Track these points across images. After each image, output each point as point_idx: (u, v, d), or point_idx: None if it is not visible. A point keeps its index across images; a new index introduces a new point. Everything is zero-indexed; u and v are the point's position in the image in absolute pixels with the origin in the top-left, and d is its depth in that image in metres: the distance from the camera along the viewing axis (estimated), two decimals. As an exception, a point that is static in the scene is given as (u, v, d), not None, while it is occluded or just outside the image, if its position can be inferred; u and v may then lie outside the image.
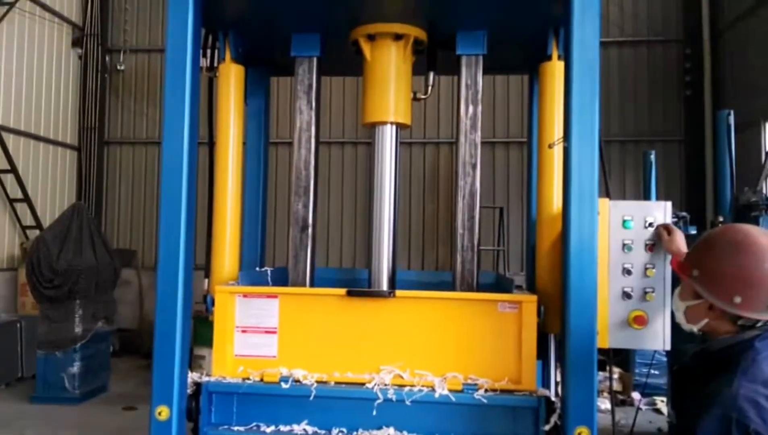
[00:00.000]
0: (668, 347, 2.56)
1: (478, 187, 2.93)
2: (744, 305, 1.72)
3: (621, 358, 7.76)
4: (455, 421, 2.58)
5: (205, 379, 2.67)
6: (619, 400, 7.34)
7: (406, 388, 2.56)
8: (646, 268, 2.61)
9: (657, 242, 2.58)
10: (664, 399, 6.83)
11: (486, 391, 2.53)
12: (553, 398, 2.52)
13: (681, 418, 1.83)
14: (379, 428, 2.58)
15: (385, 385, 2.58)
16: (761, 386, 1.60)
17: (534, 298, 2.61)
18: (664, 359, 6.83)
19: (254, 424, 2.67)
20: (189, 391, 2.63)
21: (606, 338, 2.55)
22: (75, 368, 7.23)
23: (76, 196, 10.80)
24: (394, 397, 2.54)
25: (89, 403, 7.32)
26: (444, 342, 2.65)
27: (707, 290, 1.79)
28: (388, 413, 2.59)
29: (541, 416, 2.48)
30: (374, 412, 2.57)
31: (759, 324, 1.74)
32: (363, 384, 2.61)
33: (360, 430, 2.60)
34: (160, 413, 2.56)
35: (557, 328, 2.70)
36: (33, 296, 7.38)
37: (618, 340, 2.55)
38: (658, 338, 2.56)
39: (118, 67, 11.23)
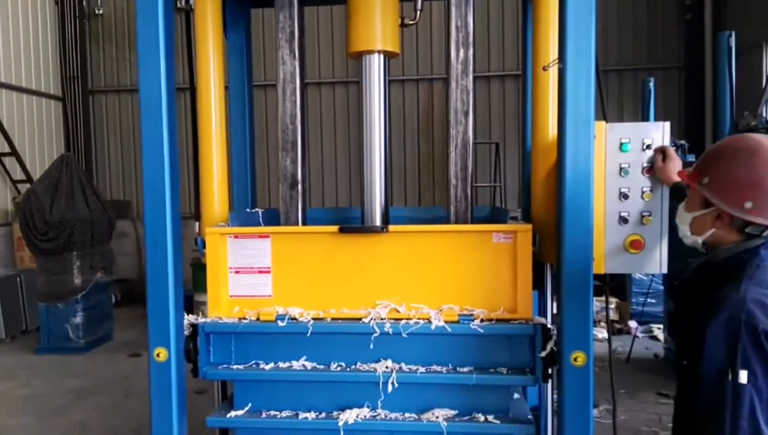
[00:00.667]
0: (665, 270, 2.53)
1: (471, 136, 2.83)
2: (755, 210, 1.68)
3: (617, 285, 7.84)
4: (452, 352, 2.58)
5: (201, 320, 2.66)
6: (616, 329, 7.45)
7: (402, 322, 2.55)
8: (643, 192, 2.55)
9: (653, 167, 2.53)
10: (661, 326, 6.93)
11: (482, 321, 2.53)
12: (549, 326, 2.51)
13: (681, 333, 1.80)
14: (377, 361, 2.60)
15: (381, 319, 2.57)
16: None
17: (529, 227, 2.57)
18: (661, 288, 6.91)
19: (253, 362, 2.68)
20: (186, 332, 2.63)
21: (602, 264, 2.52)
22: (78, 319, 7.29)
23: (65, 148, 10.65)
24: (390, 331, 2.53)
25: (95, 352, 7.43)
26: (439, 275, 2.63)
27: (717, 197, 1.75)
28: (385, 347, 2.59)
29: (537, 343, 2.48)
30: (371, 346, 2.57)
31: (765, 233, 1.70)
32: (359, 319, 2.60)
33: (358, 364, 2.61)
34: (158, 355, 2.56)
35: (553, 257, 2.67)
36: (29, 250, 7.38)
37: (614, 266, 2.53)
38: (655, 262, 2.53)
39: (97, 12, 10.88)
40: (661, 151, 2.52)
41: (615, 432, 2.92)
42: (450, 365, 2.59)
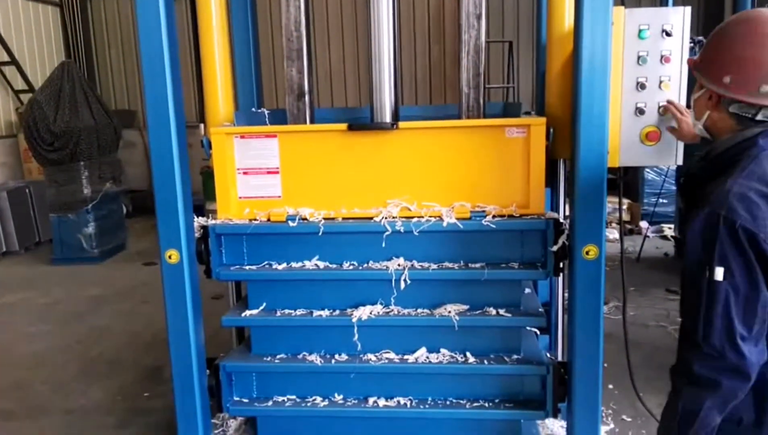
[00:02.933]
0: (680, 162, 2.46)
1: (483, 40, 2.67)
2: (734, 86, 1.60)
3: (629, 184, 7.76)
4: (463, 249, 2.58)
5: (211, 222, 2.65)
6: (627, 230, 7.46)
7: (414, 220, 2.53)
8: (661, 82, 2.45)
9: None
10: (672, 226, 6.92)
11: (494, 217, 2.50)
12: (561, 220, 2.48)
13: (685, 228, 1.75)
14: (389, 259, 2.60)
15: (393, 218, 2.56)
16: (756, 182, 1.51)
17: (543, 120, 2.49)
18: (673, 187, 6.84)
19: (266, 262, 2.70)
20: (197, 234, 2.62)
21: (617, 157, 2.46)
22: (90, 229, 7.36)
23: (65, 57, 10.40)
24: (402, 229, 2.52)
25: (110, 261, 7.56)
26: (450, 172, 2.58)
27: (702, 74, 1.69)
28: (397, 245, 2.59)
29: (549, 238, 2.46)
30: (383, 245, 2.57)
31: (759, 116, 1.61)
32: (370, 218, 2.58)
33: (370, 262, 2.62)
34: (170, 257, 2.57)
35: (567, 152, 2.61)
36: (36, 160, 7.35)
37: (629, 158, 2.46)
38: (670, 154, 2.46)
39: None
40: (674, 106, 2.43)
41: (625, 325, 2.95)
42: (462, 262, 2.59)
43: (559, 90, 2.69)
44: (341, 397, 2.71)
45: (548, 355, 2.76)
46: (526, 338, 2.70)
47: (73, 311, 5.75)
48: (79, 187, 7.21)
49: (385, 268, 2.57)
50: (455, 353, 2.64)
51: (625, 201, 7.54)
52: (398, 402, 2.67)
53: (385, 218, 2.55)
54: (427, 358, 2.63)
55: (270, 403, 2.73)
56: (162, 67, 2.40)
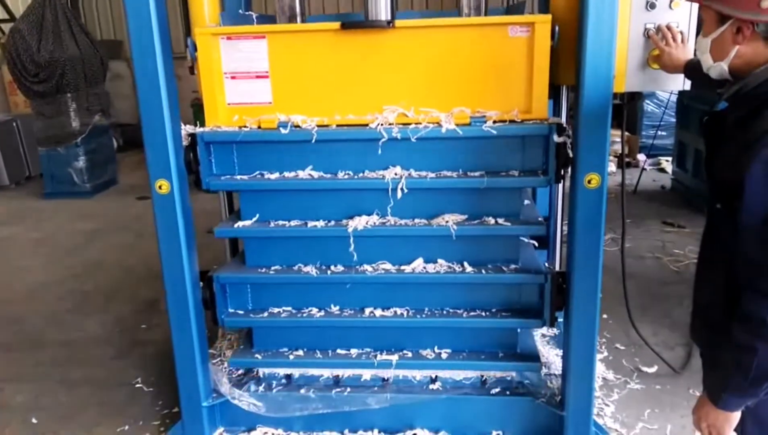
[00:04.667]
0: (687, 87, 2.37)
1: None
2: None
3: (630, 111, 7.63)
4: (462, 157, 2.50)
5: (199, 130, 2.53)
6: (625, 163, 7.39)
7: (411, 126, 2.43)
8: (671, 0, 2.32)
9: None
10: (669, 159, 6.86)
11: (495, 122, 2.40)
12: (565, 125, 2.38)
13: (715, 175, 1.62)
14: (385, 168, 2.52)
15: (389, 124, 2.45)
16: None
17: (548, 17, 2.33)
18: (672, 120, 6.74)
19: (257, 172, 2.62)
20: (184, 143, 2.51)
21: (623, 82, 2.36)
22: (81, 163, 7.25)
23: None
24: (398, 136, 2.41)
25: (102, 195, 7.48)
26: (450, 75, 2.45)
27: (728, 4, 1.49)
28: (394, 153, 2.51)
29: (551, 142, 2.37)
30: (379, 152, 2.47)
31: None
32: (366, 125, 2.47)
33: (366, 172, 2.54)
34: (160, 187, 2.50)
35: (570, 78, 2.51)
36: (22, 93, 7.15)
37: (635, 83, 2.36)
38: (678, 78, 2.36)
39: None
40: (661, 33, 2.28)
41: (623, 254, 2.93)
42: (460, 170, 2.52)
43: (566, 3, 2.53)
44: (337, 308, 2.71)
45: (546, 265, 2.75)
46: (524, 249, 2.68)
47: (65, 245, 5.71)
48: (67, 119, 7.04)
49: (381, 177, 2.49)
50: (453, 263, 2.61)
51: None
52: (395, 312, 2.67)
53: (381, 125, 2.44)
54: (424, 268, 2.60)
55: (265, 314, 2.72)
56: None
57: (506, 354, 2.71)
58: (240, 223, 2.66)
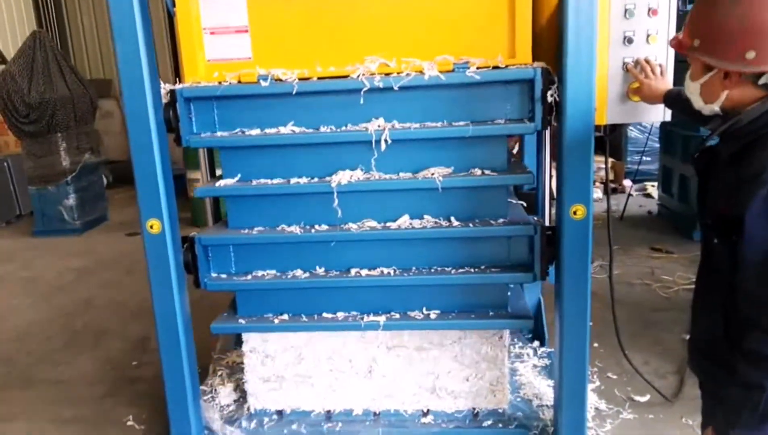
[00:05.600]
0: (668, 118, 2.44)
1: None
2: (759, 59, 1.45)
3: (612, 143, 7.76)
4: (447, 106, 2.48)
5: (178, 86, 2.52)
6: (611, 189, 7.49)
7: (394, 75, 2.41)
8: (648, 36, 2.40)
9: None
10: (655, 184, 6.95)
11: (478, 68, 2.38)
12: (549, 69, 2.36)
13: (709, 209, 1.64)
14: (368, 121, 2.50)
15: (371, 73, 2.43)
16: None
17: None
18: (656, 145, 6.86)
19: (238, 129, 2.59)
20: (164, 100, 2.49)
21: (604, 114, 2.42)
22: (71, 200, 7.24)
23: (36, 26, 10.09)
24: (381, 84, 2.39)
25: (91, 233, 7.45)
26: (432, 23, 2.44)
27: (714, 57, 1.52)
28: (377, 105, 2.48)
29: (537, 88, 2.34)
30: (361, 103, 2.45)
31: None
32: (347, 76, 2.45)
33: (349, 125, 2.52)
34: (151, 227, 2.53)
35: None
36: (12, 133, 7.17)
37: (616, 115, 2.43)
38: (657, 110, 2.43)
39: None
40: (640, 66, 2.36)
41: (611, 281, 2.97)
42: (445, 121, 2.49)
43: (547, 45, 2.61)
44: (322, 269, 2.66)
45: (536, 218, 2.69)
46: (512, 205, 2.66)
47: (56, 283, 5.68)
48: (57, 158, 7.06)
49: (364, 129, 2.46)
50: (439, 219, 2.58)
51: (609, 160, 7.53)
52: (381, 272, 2.61)
53: (363, 74, 2.42)
54: (411, 224, 2.56)
55: (249, 277, 2.67)
56: (134, 31, 2.31)
57: (497, 313, 2.63)
58: (221, 182, 2.61)
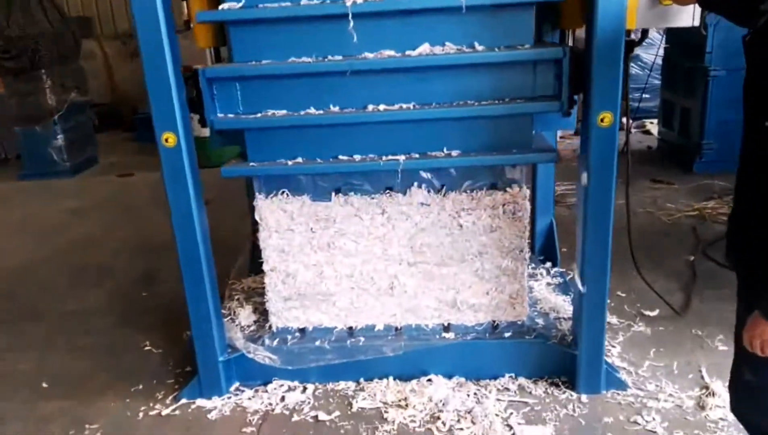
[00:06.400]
0: (697, 23, 2.41)
1: None
2: None
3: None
4: None
5: None
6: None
7: None
8: (681, -64, 2.34)
9: None
10: (654, 121, 6.97)
11: None
12: None
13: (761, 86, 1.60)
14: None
15: None
16: None
17: None
18: (657, 83, 6.83)
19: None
20: None
21: (634, 18, 2.38)
22: (59, 141, 7.07)
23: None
24: None
25: (83, 175, 7.31)
26: None
27: None
28: None
29: None
30: None
31: None
32: None
33: None
34: (166, 140, 2.46)
35: (576, 21, 2.52)
36: (-6, 70, 6.93)
37: (646, 20, 2.39)
38: (687, 13, 2.39)
39: None
40: None
41: (627, 198, 3.00)
42: None
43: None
44: (337, 108, 2.48)
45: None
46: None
47: (51, 224, 5.59)
48: (42, 97, 6.85)
49: None
50: (462, 47, 2.43)
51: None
52: (400, 107, 2.46)
53: None
54: (432, 51, 2.43)
55: (258, 115, 2.50)
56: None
57: (521, 150, 2.53)
58: (225, 5, 2.43)
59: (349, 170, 2.62)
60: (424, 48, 2.43)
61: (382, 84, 2.45)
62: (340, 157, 2.57)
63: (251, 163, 2.61)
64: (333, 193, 2.68)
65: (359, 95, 2.47)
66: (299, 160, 2.58)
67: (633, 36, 2.53)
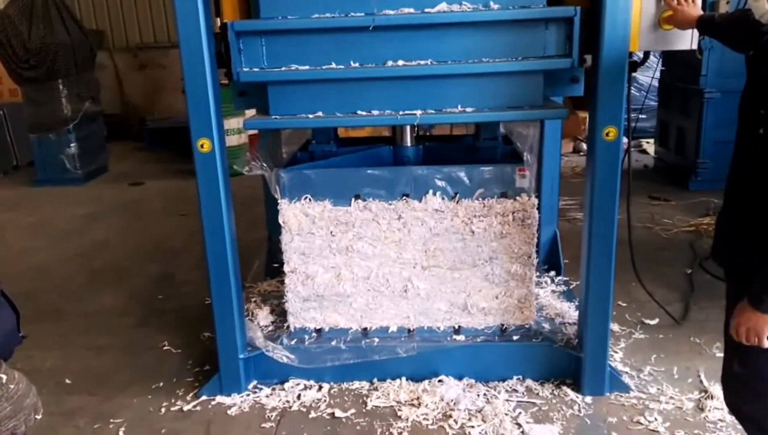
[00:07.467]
0: (695, 46, 2.58)
1: None
2: None
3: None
4: None
5: None
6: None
7: None
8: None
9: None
10: (651, 140, 7.16)
11: None
12: None
13: (759, 97, 1.75)
14: None
15: None
16: None
17: None
18: (654, 104, 7.03)
19: None
20: None
21: (637, 41, 2.56)
22: (72, 149, 7.23)
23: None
24: None
25: (94, 182, 7.47)
26: None
27: None
28: None
29: None
30: None
31: None
32: None
33: None
34: (202, 146, 2.62)
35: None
36: (13, 79, 7.10)
37: (648, 43, 2.56)
38: (686, 38, 2.56)
39: None
40: None
41: (628, 212, 3.16)
42: None
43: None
44: (357, 64, 2.58)
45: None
46: None
47: (66, 228, 5.73)
48: (58, 106, 7.02)
49: None
50: (478, 5, 2.56)
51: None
52: (418, 64, 2.57)
53: None
54: (449, 8, 2.55)
55: (282, 68, 2.60)
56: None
57: (532, 106, 2.62)
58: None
59: (366, 124, 2.75)
60: (442, 6, 2.56)
61: (401, 40, 2.56)
62: (359, 111, 2.66)
63: (273, 117, 2.69)
64: (352, 199, 2.83)
65: (379, 51, 2.57)
66: (320, 114, 2.67)
67: (635, 57, 2.70)
